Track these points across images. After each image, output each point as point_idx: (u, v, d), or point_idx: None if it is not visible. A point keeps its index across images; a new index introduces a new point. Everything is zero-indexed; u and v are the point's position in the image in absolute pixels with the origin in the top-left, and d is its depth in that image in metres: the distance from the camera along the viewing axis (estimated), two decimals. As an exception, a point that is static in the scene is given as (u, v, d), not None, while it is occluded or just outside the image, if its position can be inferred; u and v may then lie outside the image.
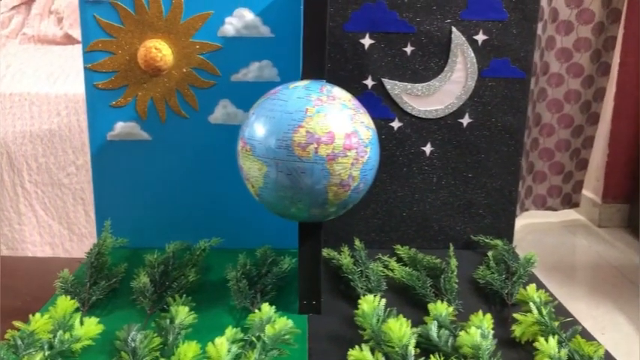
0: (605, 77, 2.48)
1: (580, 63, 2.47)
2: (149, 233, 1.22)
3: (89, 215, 1.92)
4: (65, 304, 0.95)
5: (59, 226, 1.93)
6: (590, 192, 2.72)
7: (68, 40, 2.38)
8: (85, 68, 1.17)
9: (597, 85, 2.49)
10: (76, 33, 2.33)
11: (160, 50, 1.14)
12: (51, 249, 1.95)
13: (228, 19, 1.16)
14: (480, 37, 1.17)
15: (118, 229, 1.18)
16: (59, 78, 2.03)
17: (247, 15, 1.15)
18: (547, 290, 1.04)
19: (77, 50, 2.25)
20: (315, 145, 0.86)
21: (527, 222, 2.76)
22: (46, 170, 1.93)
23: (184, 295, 1.00)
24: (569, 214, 2.76)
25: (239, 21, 1.16)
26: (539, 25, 2.39)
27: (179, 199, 1.22)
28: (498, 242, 1.20)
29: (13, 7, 2.40)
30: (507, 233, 1.25)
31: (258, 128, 0.90)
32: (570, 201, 2.65)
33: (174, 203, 1.22)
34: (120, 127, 1.19)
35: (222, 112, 1.19)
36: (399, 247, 1.21)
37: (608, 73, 2.48)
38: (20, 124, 1.92)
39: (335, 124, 0.88)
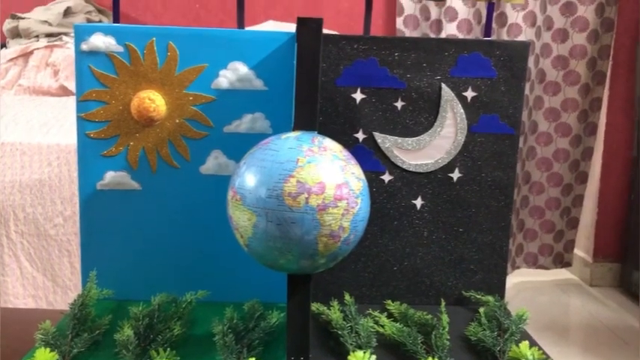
0: (593, 137, 2.53)
1: (568, 122, 2.52)
2: (135, 285, 1.20)
3: (74, 267, 1.88)
4: (45, 356, 0.92)
5: (43, 278, 1.89)
6: (581, 250, 2.71)
7: (63, 91, 2.40)
8: (78, 117, 1.17)
9: (585, 144, 2.54)
10: (72, 85, 2.36)
11: (154, 101, 1.15)
12: (34, 301, 1.90)
13: (222, 72, 1.18)
14: (469, 94, 1.20)
15: (103, 280, 1.16)
16: (52, 128, 2.04)
17: (241, 68, 1.17)
18: (540, 348, 1.02)
19: (71, 101, 2.27)
20: (306, 195, 0.86)
21: (519, 280, 2.74)
22: (33, 221, 1.91)
23: (169, 349, 0.97)
24: (561, 273, 2.74)
25: (233, 74, 1.18)
26: (527, 85, 2.45)
27: (167, 250, 1.20)
28: (490, 298, 1.19)
29: (11, 59, 2.44)
30: (499, 289, 1.24)
31: (248, 178, 0.90)
32: (562, 260, 2.64)
33: (161, 254, 1.20)
34: (110, 176, 1.19)
35: (214, 162, 1.19)
36: (389, 302, 1.19)
37: (595, 133, 2.53)
38: (10, 174, 1.91)
39: (326, 174, 0.88)
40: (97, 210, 1.19)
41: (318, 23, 1.03)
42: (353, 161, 0.94)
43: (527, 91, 2.46)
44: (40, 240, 1.93)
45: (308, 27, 1.04)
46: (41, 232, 1.93)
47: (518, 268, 2.68)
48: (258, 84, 1.18)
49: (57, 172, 1.93)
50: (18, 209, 1.91)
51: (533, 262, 2.66)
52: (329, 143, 0.94)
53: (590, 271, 2.66)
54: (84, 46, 1.15)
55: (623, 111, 2.53)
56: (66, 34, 2.46)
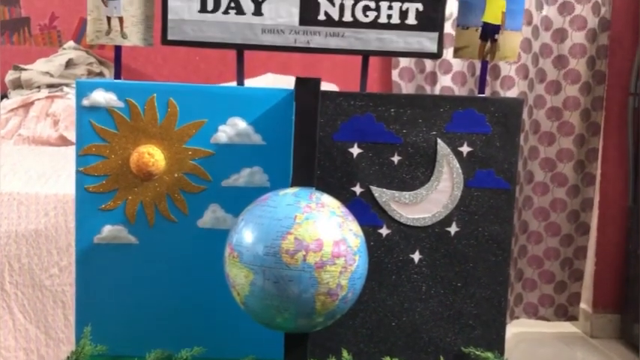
0: (591, 187, 2.54)
1: (564, 173, 2.54)
2: (130, 340, 1.18)
3: (68, 319, 1.86)
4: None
5: (36, 330, 1.86)
6: (582, 302, 2.69)
7: (62, 141, 2.42)
8: (77, 171, 1.18)
9: (584, 195, 2.55)
10: (71, 135, 2.38)
11: (153, 155, 1.16)
12: (25, 355, 1.86)
13: (221, 127, 1.19)
14: (465, 149, 1.21)
15: (97, 335, 1.14)
16: (50, 178, 2.05)
17: (240, 124, 1.19)
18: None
19: (70, 151, 2.28)
20: (304, 253, 0.86)
21: (519, 330, 2.70)
22: (28, 271, 1.90)
23: (162, 410, 0.95)
24: (561, 324, 2.71)
25: (232, 129, 1.19)
26: (521, 135, 2.47)
27: (163, 306, 1.19)
28: (489, 355, 1.17)
29: (12, 110, 2.46)
30: (498, 345, 1.22)
31: (246, 234, 0.90)
32: (566, 313, 2.61)
33: (157, 310, 1.19)
34: (107, 230, 1.18)
35: (212, 216, 1.20)
36: (388, 358, 1.17)
37: (593, 184, 2.54)
38: (6, 224, 1.91)
39: (324, 231, 0.88)
40: (93, 264, 1.19)
41: (316, 83, 1.05)
42: (351, 217, 0.95)
43: (521, 142, 2.49)
44: (35, 291, 1.91)
45: (306, 87, 1.06)
46: (36, 283, 1.91)
47: (517, 318, 2.65)
48: (257, 139, 1.20)
49: (54, 223, 1.92)
50: (13, 260, 1.90)
51: (534, 313, 2.64)
52: (327, 199, 0.95)
53: (591, 323, 2.63)
54: (85, 102, 1.17)
55: (618, 161, 2.56)
56: (67, 85, 2.50)
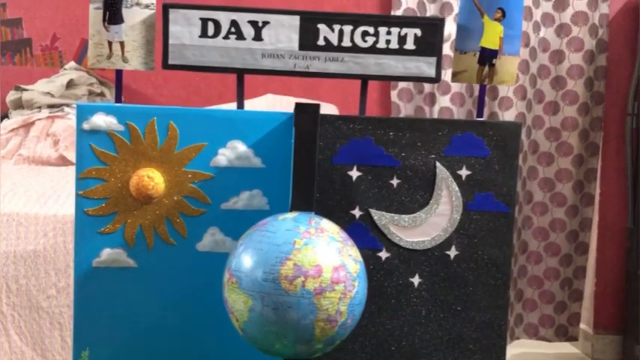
0: (590, 208, 2.54)
1: (563, 193, 2.54)
2: (127, 365, 1.17)
3: (65, 341, 1.84)
4: None
5: (32, 353, 1.85)
6: (582, 323, 2.67)
7: (62, 161, 2.42)
8: (77, 195, 1.18)
9: (583, 215, 2.55)
10: (71, 155, 2.38)
11: (153, 179, 1.17)
12: (22, 377, 1.85)
13: (221, 151, 1.20)
14: (464, 172, 1.22)
15: (95, 359, 1.13)
16: (50, 199, 2.04)
17: (240, 147, 1.20)
18: None
19: (70, 171, 2.28)
20: (303, 279, 0.86)
21: (519, 351, 2.68)
22: (26, 292, 1.89)
23: None
24: (562, 345, 2.69)
25: (232, 152, 1.20)
26: (520, 156, 2.48)
27: (161, 330, 1.18)
28: (490, 380, 1.16)
29: (13, 130, 2.47)
30: (499, 369, 1.22)
31: (245, 260, 0.90)
32: (567, 333, 2.59)
33: (156, 334, 1.18)
34: (106, 253, 1.18)
35: (211, 239, 1.20)
36: (387, 383, 1.16)
37: (592, 204, 2.54)
38: (5, 245, 1.90)
39: (323, 257, 0.88)
40: (91, 288, 1.18)
41: (315, 109, 1.06)
42: (350, 242, 0.95)
43: (520, 162, 2.50)
44: (32, 312, 1.90)
45: (306, 113, 1.07)
46: (33, 305, 1.90)
47: (517, 338, 2.64)
48: (257, 162, 1.20)
49: (52, 243, 1.92)
50: (11, 281, 1.89)
51: (534, 333, 2.62)
52: (326, 224, 0.95)
53: (592, 344, 2.61)
54: (85, 125, 1.18)
55: (616, 182, 2.56)
56: (68, 105, 2.51)
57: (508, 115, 2.46)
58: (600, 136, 2.52)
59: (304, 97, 2.41)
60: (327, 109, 2.26)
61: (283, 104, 2.37)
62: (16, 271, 1.90)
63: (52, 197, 2.06)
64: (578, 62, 2.46)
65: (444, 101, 2.47)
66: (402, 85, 2.50)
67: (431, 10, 2.47)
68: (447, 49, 2.34)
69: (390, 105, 2.51)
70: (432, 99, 2.49)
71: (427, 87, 2.50)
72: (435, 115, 2.47)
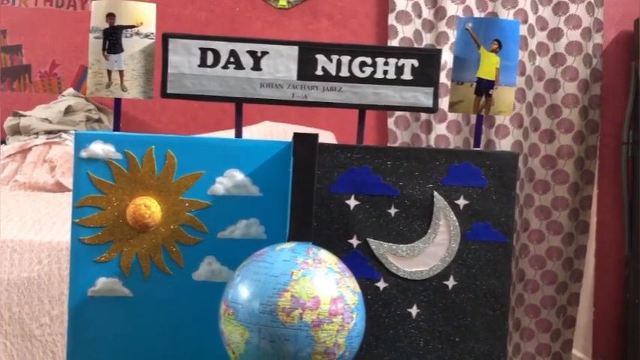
0: (585, 235, 2.55)
1: (559, 221, 2.54)
2: (121, 396, 1.15)
3: (58, 371, 1.81)
4: None
5: (24, 382, 1.82)
6: (580, 352, 2.65)
7: (59, 187, 2.42)
8: (73, 223, 1.17)
9: (578, 242, 2.55)
10: (67, 181, 2.38)
11: (149, 207, 1.16)
12: (12, 408, 1.81)
13: (219, 179, 1.19)
14: (461, 202, 1.22)
15: (88, 392, 1.11)
16: (45, 225, 2.03)
17: (238, 175, 1.19)
18: None
19: (66, 197, 2.27)
20: (300, 311, 0.85)
21: (518, 382, 2.65)
22: (19, 321, 1.86)
23: None
24: (560, 375, 2.66)
25: (229, 181, 1.20)
26: (517, 184, 2.49)
27: (156, 361, 1.17)
28: (489, 413, 1.15)
29: (9, 155, 2.47)
30: (498, 402, 1.20)
31: (242, 291, 0.89)
32: (561, 360, 2.57)
33: (150, 365, 1.17)
34: (101, 282, 1.17)
35: (207, 269, 1.19)
36: (385, 416, 1.14)
37: (587, 231, 2.54)
38: (-1, 272, 1.88)
39: (321, 288, 0.88)
40: (86, 317, 1.17)
41: (313, 139, 1.06)
42: (348, 273, 0.94)
43: (517, 189, 2.50)
44: (24, 341, 1.87)
45: (304, 143, 1.07)
46: (26, 333, 1.87)
47: (516, 368, 2.61)
48: (254, 190, 1.20)
49: (47, 271, 1.90)
50: (4, 309, 1.87)
51: (532, 363, 2.60)
52: (324, 255, 0.94)
53: (590, 373, 2.59)
54: (83, 154, 1.17)
55: (612, 210, 2.57)
56: (65, 131, 2.52)
57: (505, 143, 2.47)
58: (595, 164, 2.53)
59: (301, 124, 2.42)
60: (325, 136, 2.26)
61: (280, 131, 2.38)
62: (9, 299, 1.88)
63: (48, 224, 2.05)
64: (573, 91, 2.48)
65: (440, 129, 2.49)
66: (398, 112, 2.52)
67: (427, 39, 2.51)
68: (442, 78, 2.37)
69: (386, 132, 2.53)
70: (428, 127, 2.51)
71: (423, 115, 2.51)
72: (432, 143, 2.48)
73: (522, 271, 2.59)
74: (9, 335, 1.87)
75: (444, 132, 2.50)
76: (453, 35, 2.43)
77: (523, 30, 2.42)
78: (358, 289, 0.94)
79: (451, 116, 2.50)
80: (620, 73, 2.56)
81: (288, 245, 0.96)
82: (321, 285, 0.88)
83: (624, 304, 2.54)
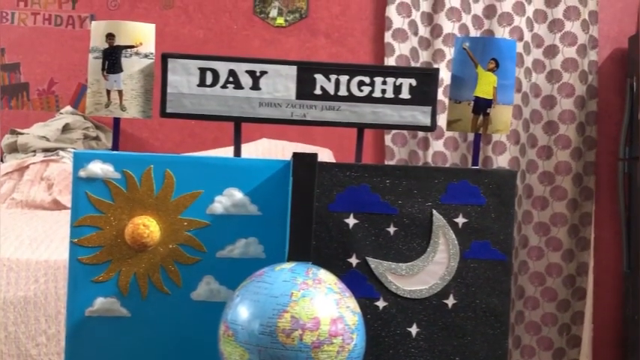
0: (586, 252, 2.54)
1: (558, 237, 2.54)
2: (119, 419, 1.14)
3: (54, 392, 1.79)
4: None
5: (20, 403, 1.79)
6: (581, 368, 2.63)
7: (56, 205, 2.41)
8: (71, 243, 1.17)
9: (579, 259, 2.54)
10: (65, 199, 2.37)
11: (148, 227, 1.16)
12: None
13: (217, 198, 1.19)
14: (460, 220, 1.22)
15: (85, 414, 1.10)
16: (42, 243, 2.02)
17: (237, 194, 1.19)
18: None
19: (63, 215, 2.26)
20: (300, 332, 0.85)
21: (518, 400, 2.63)
22: (15, 340, 1.84)
23: None
24: (561, 393, 2.64)
25: (228, 199, 1.19)
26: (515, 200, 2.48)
27: (154, 383, 1.16)
28: None
29: (7, 174, 2.46)
30: (499, 422, 1.19)
31: (242, 311, 0.89)
32: (565, 380, 2.55)
33: (148, 386, 1.16)
34: (99, 302, 1.16)
35: (205, 288, 1.18)
36: None
37: (588, 248, 2.54)
38: (-5, 291, 1.87)
39: (321, 309, 0.87)
40: (84, 338, 1.16)
41: (313, 159, 1.06)
42: (348, 293, 0.94)
43: (515, 206, 2.50)
44: (20, 361, 1.85)
45: (303, 162, 1.07)
46: (22, 352, 1.85)
47: (516, 386, 2.59)
48: (253, 209, 1.20)
49: (43, 289, 1.89)
50: (0, 328, 1.85)
51: (533, 381, 2.58)
52: (323, 275, 0.94)
53: (591, 390, 2.57)
54: (82, 173, 1.17)
55: (610, 226, 2.57)
56: (63, 149, 2.51)
57: (502, 160, 2.48)
58: (593, 180, 2.54)
59: (299, 142, 2.43)
60: (323, 154, 2.27)
61: (278, 149, 2.38)
62: (5, 318, 1.86)
63: (44, 242, 2.03)
64: (569, 107, 2.50)
65: (437, 146, 2.49)
66: (395, 129, 2.53)
67: (423, 57, 2.52)
68: (439, 95, 2.38)
69: (383, 149, 2.53)
70: (425, 144, 2.51)
71: (421, 132, 2.52)
72: (429, 159, 2.49)
73: (522, 288, 2.58)
74: (5, 355, 1.85)
75: (442, 149, 2.51)
76: (449, 53, 2.45)
77: (519, 47, 2.44)
78: (358, 310, 0.93)
79: (448, 133, 2.51)
80: (616, 89, 2.57)
81: (287, 265, 0.95)
82: (321, 306, 0.87)
83: (623, 321, 2.53)
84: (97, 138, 2.60)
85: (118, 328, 1.16)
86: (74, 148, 2.44)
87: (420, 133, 2.53)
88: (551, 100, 2.51)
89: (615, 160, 2.52)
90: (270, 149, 2.40)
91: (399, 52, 2.49)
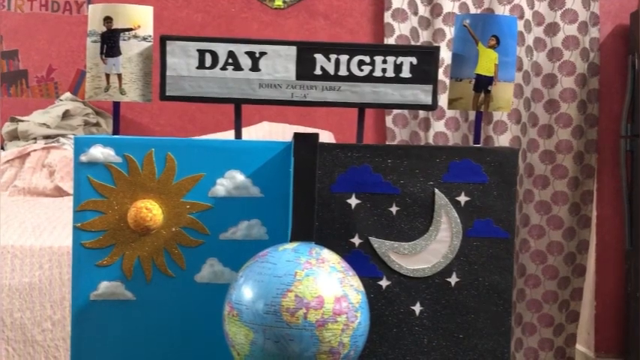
0: (587, 229, 2.55)
1: (559, 215, 2.54)
2: (126, 400, 1.15)
3: (62, 376, 1.81)
4: None
5: (28, 388, 1.81)
6: (583, 346, 2.65)
7: (58, 192, 2.41)
8: (74, 227, 1.17)
9: (580, 237, 2.55)
10: (67, 185, 2.37)
11: (151, 210, 1.16)
12: (15, 414, 1.81)
13: (219, 181, 1.19)
14: (463, 199, 1.22)
15: (92, 396, 1.11)
16: (45, 230, 2.03)
17: (238, 176, 1.19)
18: None
19: (66, 202, 2.27)
20: (304, 311, 0.85)
21: (521, 377, 2.65)
22: (20, 326, 1.86)
23: None
24: (563, 369, 2.67)
25: (230, 182, 1.19)
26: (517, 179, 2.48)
27: (160, 364, 1.17)
28: (495, 409, 1.15)
29: (8, 161, 2.46)
30: (503, 398, 1.20)
31: (246, 292, 0.89)
32: (564, 355, 2.57)
33: (154, 368, 1.17)
34: (104, 286, 1.17)
35: (209, 270, 1.19)
36: (390, 414, 1.14)
37: (589, 226, 2.55)
38: (0, 278, 1.88)
39: (324, 287, 0.88)
40: (89, 321, 1.17)
41: (314, 139, 1.06)
42: (351, 272, 0.94)
43: (517, 185, 2.50)
44: (27, 346, 1.87)
45: (305, 143, 1.07)
46: (28, 338, 1.87)
47: (518, 363, 2.61)
48: (255, 191, 1.20)
49: (48, 275, 1.90)
50: (5, 314, 1.86)
51: (534, 358, 2.60)
52: (327, 254, 0.94)
53: (593, 367, 2.59)
54: (83, 158, 1.17)
55: (613, 204, 2.57)
56: (63, 135, 2.51)
57: (503, 139, 2.47)
58: (595, 158, 2.53)
59: (300, 124, 2.42)
60: (324, 136, 2.26)
61: (279, 132, 2.38)
62: (11, 305, 1.88)
63: (48, 229, 2.04)
64: (570, 85, 2.48)
65: (438, 126, 2.49)
66: (396, 110, 2.52)
67: (423, 37, 2.51)
68: (440, 75, 2.36)
69: (385, 130, 2.53)
70: (426, 124, 2.51)
71: (422, 112, 2.51)
72: (430, 140, 2.48)
73: (523, 266, 2.59)
74: (11, 341, 1.87)
75: (443, 129, 2.50)
76: (449, 32, 2.43)
77: (520, 25, 2.42)
78: (362, 288, 0.94)
79: (449, 113, 2.50)
80: (617, 66, 2.56)
81: (290, 245, 0.96)
82: (325, 284, 0.88)
83: (625, 298, 2.54)
84: (97, 124, 2.60)
85: (123, 312, 1.17)
86: (75, 135, 2.43)
87: (421, 114, 2.52)
88: (552, 79, 2.50)
89: (617, 138, 2.51)
90: (270, 132, 2.40)
91: (398, 32, 2.47)
